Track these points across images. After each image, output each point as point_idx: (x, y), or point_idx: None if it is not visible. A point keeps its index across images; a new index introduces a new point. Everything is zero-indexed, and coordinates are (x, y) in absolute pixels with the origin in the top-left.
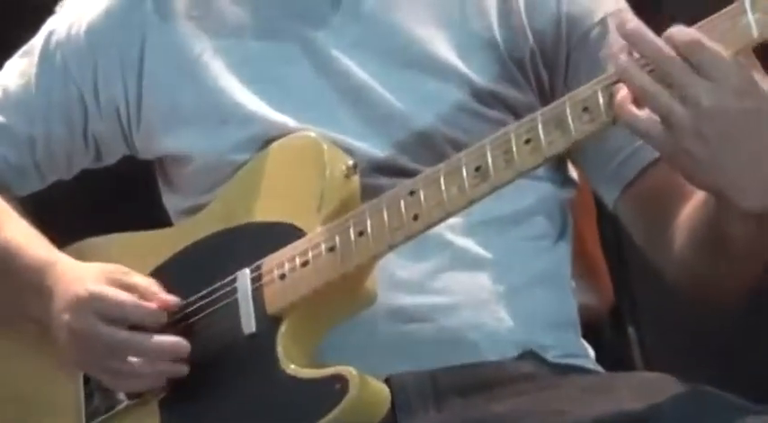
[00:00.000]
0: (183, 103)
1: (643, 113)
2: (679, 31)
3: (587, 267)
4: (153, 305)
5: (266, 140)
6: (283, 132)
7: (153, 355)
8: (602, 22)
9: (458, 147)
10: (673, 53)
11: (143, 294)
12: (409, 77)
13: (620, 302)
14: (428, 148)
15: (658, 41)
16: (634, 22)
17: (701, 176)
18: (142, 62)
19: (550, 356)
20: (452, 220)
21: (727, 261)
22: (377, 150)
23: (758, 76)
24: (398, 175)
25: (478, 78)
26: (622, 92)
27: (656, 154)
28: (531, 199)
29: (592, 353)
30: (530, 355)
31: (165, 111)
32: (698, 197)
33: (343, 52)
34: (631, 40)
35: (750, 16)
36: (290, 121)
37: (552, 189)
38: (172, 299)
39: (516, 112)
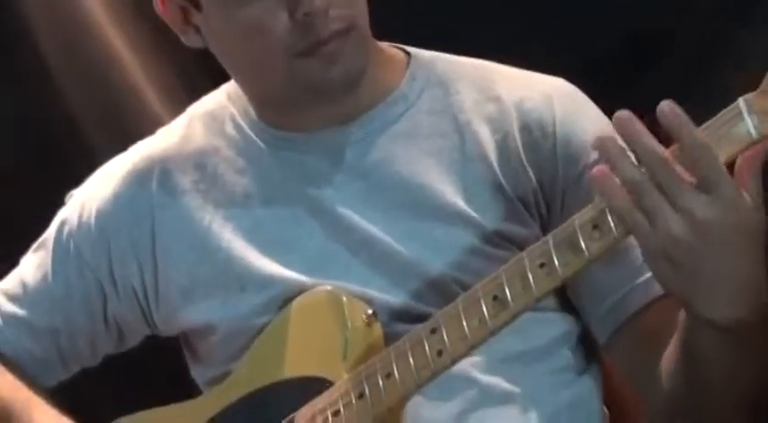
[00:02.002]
0: (199, 275)
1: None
2: (689, 134)
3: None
4: None
5: (285, 300)
6: (301, 291)
7: None
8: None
9: (465, 288)
10: (669, 159)
11: None
12: (417, 226)
13: None
14: (441, 293)
15: (654, 143)
16: (637, 126)
17: (678, 283)
18: (154, 241)
19: None
20: (476, 358)
21: (705, 388)
22: (392, 299)
23: (753, 191)
24: (416, 322)
25: (485, 220)
26: (616, 183)
27: (647, 299)
28: (553, 333)
29: None
30: None
31: (182, 286)
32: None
33: (349, 208)
34: (628, 137)
35: (747, 118)
36: (307, 280)
37: (573, 322)
38: None
39: (524, 249)
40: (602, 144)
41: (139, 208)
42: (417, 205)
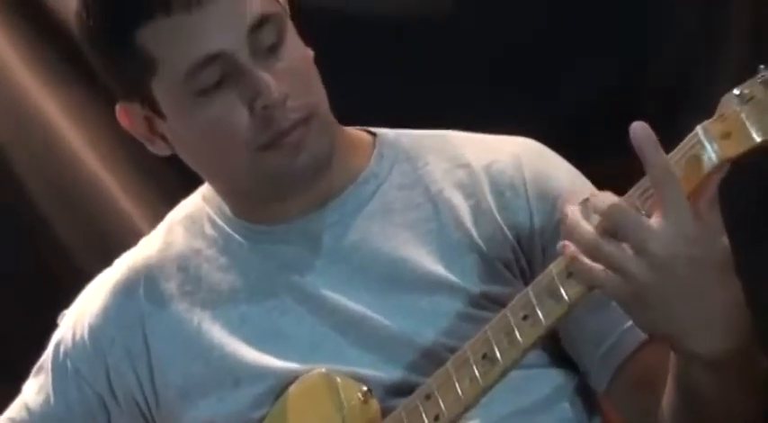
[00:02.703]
0: (194, 375)
1: (597, 265)
2: (657, 157)
3: None
4: None
5: (281, 390)
6: (296, 378)
7: None
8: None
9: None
10: (623, 206)
11: None
12: (402, 299)
13: None
14: (434, 362)
15: (608, 197)
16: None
17: (653, 322)
18: (148, 349)
19: None
20: (476, 420)
21: (701, 419)
22: (387, 375)
23: (712, 219)
24: (408, 394)
25: (468, 284)
26: (571, 245)
27: (639, 341)
28: (547, 388)
29: None
30: None
31: (179, 388)
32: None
33: (333, 290)
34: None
35: (707, 144)
36: (299, 367)
37: (566, 376)
38: None
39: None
40: (562, 220)
41: (129, 318)
42: (399, 279)
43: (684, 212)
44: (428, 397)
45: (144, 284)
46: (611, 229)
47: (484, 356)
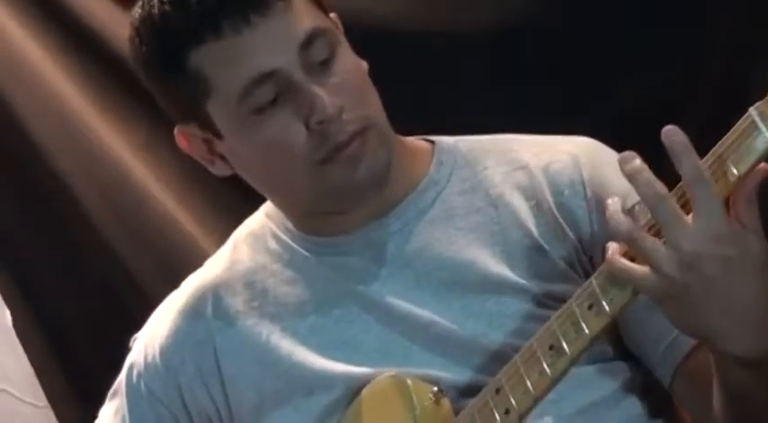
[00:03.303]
0: (266, 388)
1: (635, 265)
2: (689, 160)
3: None
4: None
5: (354, 396)
6: (366, 384)
7: None
8: (631, 210)
9: None
10: (664, 193)
11: None
12: (468, 302)
13: None
14: (502, 362)
15: (652, 180)
16: (637, 163)
17: (687, 321)
18: (219, 366)
19: None
20: (547, 417)
21: (741, 419)
22: (457, 377)
23: (748, 219)
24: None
25: (532, 285)
26: (613, 246)
27: (695, 341)
28: (617, 382)
29: None
30: None
31: (253, 402)
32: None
33: (399, 298)
34: (629, 175)
35: (762, 126)
36: (369, 372)
37: (636, 369)
38: None
39: None
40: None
41: (199, 338)
42: (464, 282)
43: (716, 212)
44: (498, 391)
45: (212, 303)
46: (655, 216)
47: (551, 348)
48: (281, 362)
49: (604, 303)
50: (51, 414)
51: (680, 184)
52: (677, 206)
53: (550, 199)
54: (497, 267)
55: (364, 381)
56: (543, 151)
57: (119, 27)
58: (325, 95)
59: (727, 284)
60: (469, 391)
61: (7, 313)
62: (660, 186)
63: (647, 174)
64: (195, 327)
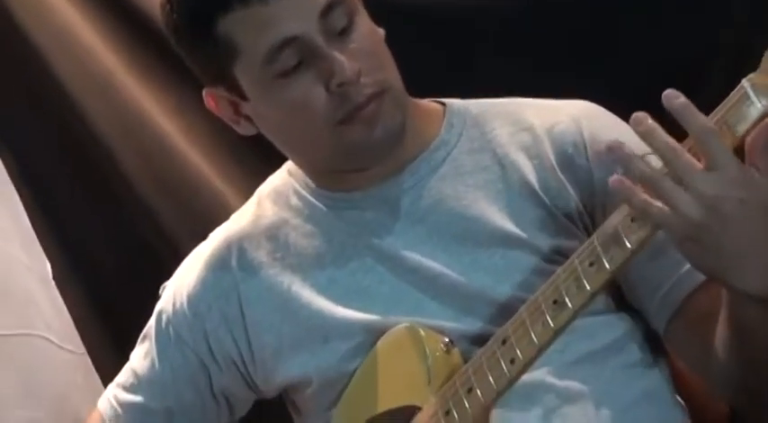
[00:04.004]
0: (286, 334)
1: (653, 200)
2: (695, 118)
3: (697, 397)
4: None
5: (369, 344)
6: (380, 332)
7: None
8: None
9: None
10: (678, 147)
11: None
12: (476, 256)
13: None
14: (510, 314)
15: (667, 137)
16: (650, 122)
17: (706, 261)
18: (243, 313)
19: None
20: (550, 366)
21: (755, 359)
22: (466, 327)
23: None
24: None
25: (537, 239)
26: (627, 182)
27: (693, 286)
28: (617, 332)
29: None
30: None
31: (273, 347)
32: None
33: (411, 250)
34: (644, 134)
35: (753, 95)
36: (384, 321)
37: (633, 321)
38: None
39: None
40: (613, 150)
41: (225, 287)
42: (473, 236)
43: (728, 159)
44: (504, 342)
45: (236, 254)
46: (671, 169)
47: (554, 302)
48: (300, 310)
49: (605, 261)
50: (88, 360)
51: (684, 142)
52: (692, 157)
53: (553, 158)
54: (503, 223)
55: (378, 329)
56: (547, 114)
57: None
58: (344, 60)
59: (743, 225)
60: (478, 340)
61: (48, 266)
62: (673, 141)
63: (660, 131)
64: (221, 277)
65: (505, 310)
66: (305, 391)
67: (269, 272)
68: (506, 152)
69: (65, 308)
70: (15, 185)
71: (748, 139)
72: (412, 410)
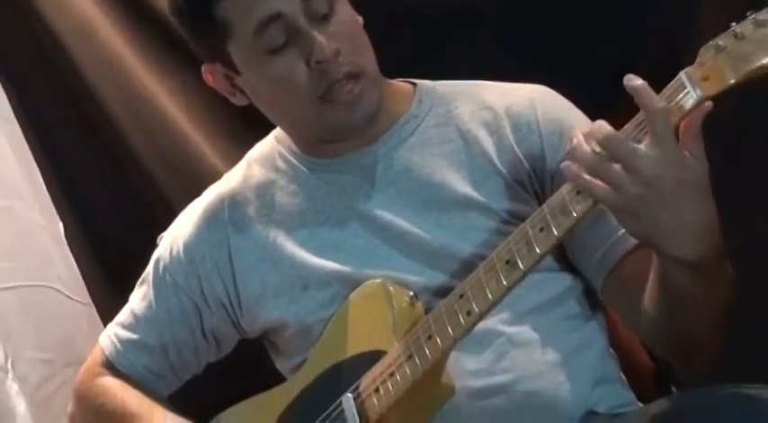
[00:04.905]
0: (269, 281)
1: (596, 181)
2: (649, 97)
3: (627, 350)
4: None
5: (344, 294)
6: (354, 283)
7: None
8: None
9: None
10: (619, 135)
11: None
12: (439, 217)
13: (660, 370)
14: (469, 269)
15: (608, 128)
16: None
17: (642, 231)
18: (232, 263)
19: (602, 409)
20: (502, 314)
21: (681, 315)
22: (429, 281)
23: (695, 149)
24: (446, 295)
25: (493, 203)
26: (574, 166)
27: (626, 248)
28: (560, 287)
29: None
30: (588, 414)
31: (257, 293)
32: (653, 271)
33: (383, 210)
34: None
35: (689, 86)
36: (358, 273)
37: (574, 279)
38: None
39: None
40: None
41: (217, 237)
42: (437, 200)
43: (670, 141)
44: (461, 296)
45: (228, 209)
46: (608, 153)
47: (507, 262)
48: (284, 260)
49: (553, 227)
50: (94, 310)
51: (635, 118)
52: (632, 141)
53: (510, 134)
54: (464, 188)
55: (353, 280)
56: (505, 95)
57: None
58: (324, 40)
59: (677, 201)
60: (440, 292)
61: (61, 227)
62: (608, 126)
63: (604, 124)
64: (214, 229)
65: (464, 266)
66: (284, 333)
67: (257, 226)
68: (469, 128)
69: (75, 264)
70: (35, 157)
71: (682, 126)
72: (378, 355)
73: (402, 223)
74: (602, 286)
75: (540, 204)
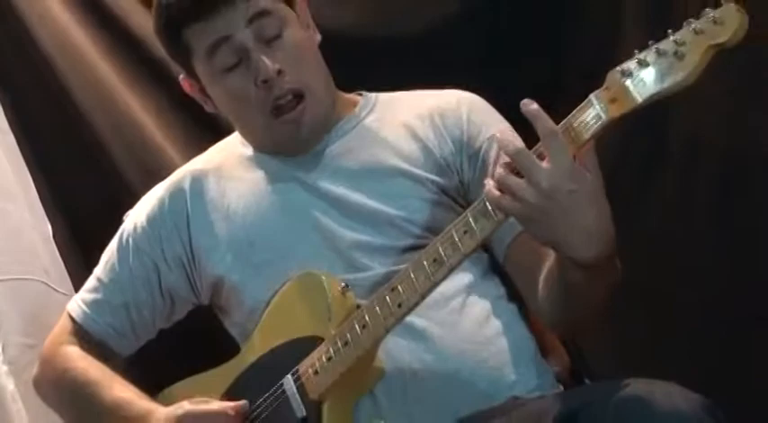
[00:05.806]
0: (221, 236)
1: (503, 195)
2: (543, 120)
3: (548, 346)
4: (231, 411)
5: (288, 252)
6: (300, 239)
7: None
8: (490, 139)
9: (413, 223)
10: (523, 149)
11: (222, 410)
12: (371, 184)
13: (575, 365)
14: (394, 227)
15: (517, 141)
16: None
17: (542, 235)
18: (189, 222)
19: (522, 391)
20: (430, 300)
21: (572, 304)
22: (361, 236)
23: (588, 164)
24: (378, 251)
25: (419, 172)
26: (489, 182)
27: (513, 234)
28: (483, 270)
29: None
30: (510, 399)
31: (208, 246)
32: (551, 261)
33: (323, 181)
34: (501, 143)
35: (598, 107)
36: (297, 229)
37: (491, 264)
38: (242, 402)
39: (447, 193)
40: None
41: (177, 202)
42: (372, 172)
43: (565, 157)
44: (393, 290)
45: (189, 180)
46: (516, 166)
47: (435, 261)
48: (235, 219)
49: (476, 229)
50: None
51: (536, 146)
52: (533, 155)
53: (439, 122)
54: (397, 162)
55: (296, 240)
56: (438, 97)
57: (140, 19)
58: (268, 61)
59: (572, 210)
60: (365, 246)
61: (49, 226)
62: (518, 141)
63: (516, 139)
64: (175, 196)
65: (389, 224)
66: (226, 290)
67: (214, 194)
68: (404, 121)
69: (60, 259)
70: (26, 162)
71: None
72: (315, 340)
73: (337, 189)
74: (503, 258)
75: (459, 181)
